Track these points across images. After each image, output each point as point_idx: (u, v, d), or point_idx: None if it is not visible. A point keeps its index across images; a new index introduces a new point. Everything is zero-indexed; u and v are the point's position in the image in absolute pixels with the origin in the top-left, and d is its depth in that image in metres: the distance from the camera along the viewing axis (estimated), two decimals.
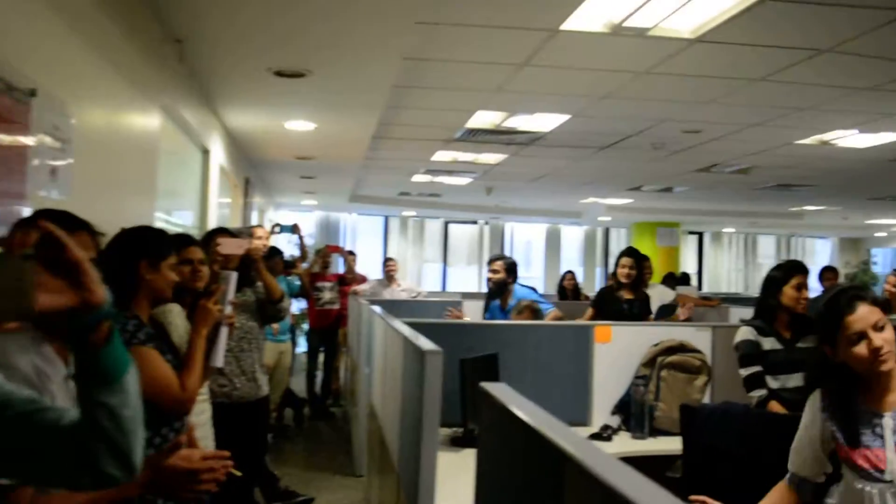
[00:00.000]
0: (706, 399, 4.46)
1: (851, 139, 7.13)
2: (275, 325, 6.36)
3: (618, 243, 19.63)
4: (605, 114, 6.29)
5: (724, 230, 20.42)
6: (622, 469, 0.89)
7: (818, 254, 21.68)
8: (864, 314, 2.33)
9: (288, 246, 10.56)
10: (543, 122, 6.73)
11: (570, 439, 0.99)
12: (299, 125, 7.03)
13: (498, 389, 1.42)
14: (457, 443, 3.80)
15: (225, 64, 5.15)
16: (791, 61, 4.68)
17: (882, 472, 2.27)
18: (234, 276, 3.31)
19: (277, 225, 7.80)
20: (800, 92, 5.41)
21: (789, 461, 2.53)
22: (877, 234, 20.60)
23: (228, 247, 4.01)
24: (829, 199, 12.86)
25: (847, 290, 2.41)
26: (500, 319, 5.89)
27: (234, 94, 6.07)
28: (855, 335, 2.33)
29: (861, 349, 2.30)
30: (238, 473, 2.28)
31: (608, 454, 0.95)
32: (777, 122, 6.41)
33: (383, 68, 4.99)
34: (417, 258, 18.41)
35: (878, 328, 2.31)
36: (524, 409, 1.23)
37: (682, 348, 4.49)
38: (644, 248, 11.73)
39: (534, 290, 7.24)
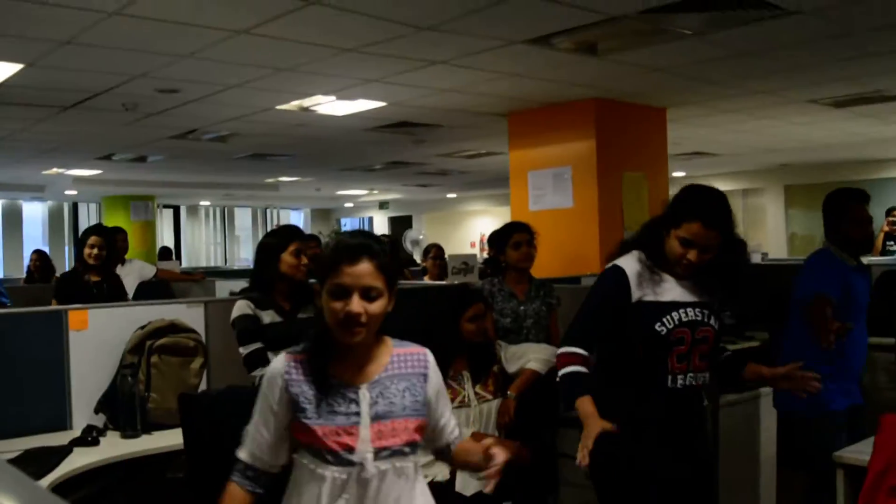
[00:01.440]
0: (204, 384, 4.04)
1: (329, 106, 7.14)
2: None
3: (88, 219, 18.36)
4: (69, 64, 5.43)
5: (201, 203, 20.17)
6: None
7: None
8: (360, 272, 2.02)
9: None
10: None
11: None
12: None
13: None
14: None
15: None
16: (278, 12, 4.38)
17: (352, 451, 2.00)
18: None
19: None
20: (284, 50, 5.16)
21: (243, 450, 2.13)
22: (346, 205, 21.96)
23: None
24: (305, 170, 13.19)
25: (354, 240, 2.09)
26: None
27: None
28: (335, 290, 2.02)
29: (336, 306, 2.01)
30: None
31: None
32: (259, 83, 6.14)
33: None
34: None
35: (369, 297, 2.02)
36: None
37: (173, 328, 4.01)
38: (117, 223, 11.04)
39: None
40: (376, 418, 2.04)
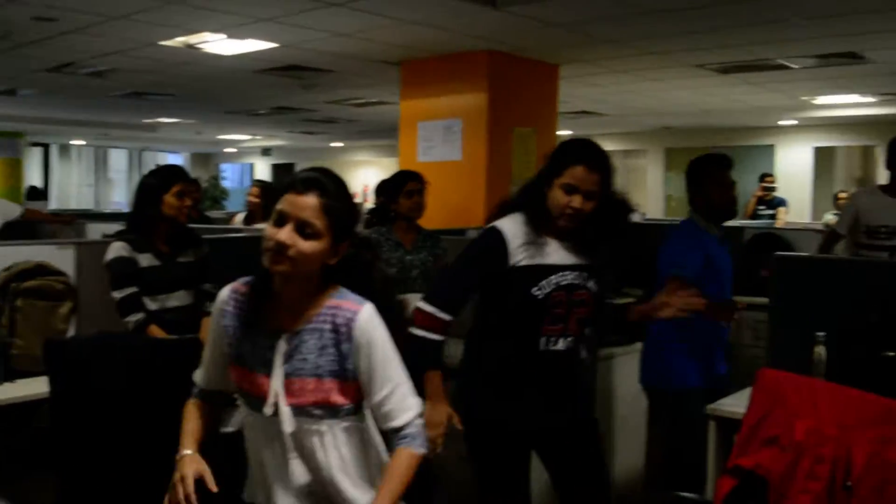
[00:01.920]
0: (72, 329, 3.84)
1: (217, 45, 6.86)
2: None
3: None
4: None
5: (73, 142, 19.31)
6: None
7: None
8: (302, 203, 1.88)
9: None
10: None
11: None
12: None
13: None
14: None
15: None
16: None
17: (261, 401, 1.94)
18: None
19: None
20: None
21: (197, 373, 2.16)
22: (226, 150, 21.40)
23: None
24: (186, 112, 12.78)
25: (311, 173, 1.95)
26: None
27: None
28: (276, 217, 1.90)
29: (269, 231, 1.89)
30: None
31: None
32: (143, 15, 5.81)
33: None
34: None
35: (304, 233, 1.87)
36: None
37: (41, 270, 3.80)
38: None
39: None
40: (287, 373, 1.94)
